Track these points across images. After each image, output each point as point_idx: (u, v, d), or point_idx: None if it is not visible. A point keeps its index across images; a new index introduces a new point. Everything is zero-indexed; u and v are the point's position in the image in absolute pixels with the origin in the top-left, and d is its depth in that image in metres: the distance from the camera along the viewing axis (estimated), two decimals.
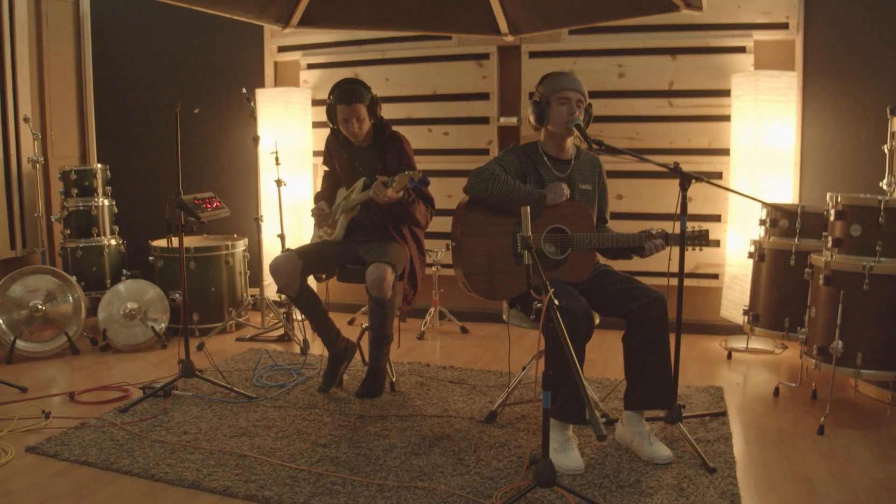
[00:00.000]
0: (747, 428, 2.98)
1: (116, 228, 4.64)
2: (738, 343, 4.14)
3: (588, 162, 3.03)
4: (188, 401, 3.26)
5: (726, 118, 4.26)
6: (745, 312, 3.81)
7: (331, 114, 3.31)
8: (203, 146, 5.24)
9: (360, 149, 3.42)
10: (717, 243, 4.38)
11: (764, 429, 2.96)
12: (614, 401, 3.22)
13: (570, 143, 2.95)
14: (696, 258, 4.41)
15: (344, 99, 3.20)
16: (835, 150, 4.14)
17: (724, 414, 3.06)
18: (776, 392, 3.37)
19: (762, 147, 4.00)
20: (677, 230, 2.71)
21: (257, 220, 4.46)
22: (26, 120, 4.37)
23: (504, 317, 3.05)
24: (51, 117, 4.87)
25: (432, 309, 4.71)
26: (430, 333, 4.61)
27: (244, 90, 4.27)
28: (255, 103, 4.36)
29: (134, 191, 5.15)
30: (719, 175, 4.31)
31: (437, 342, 4.44)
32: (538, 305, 2.16)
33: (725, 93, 4.24)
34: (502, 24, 4.04)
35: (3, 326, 3.92)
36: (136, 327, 4.18)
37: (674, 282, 2.69)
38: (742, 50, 4.22)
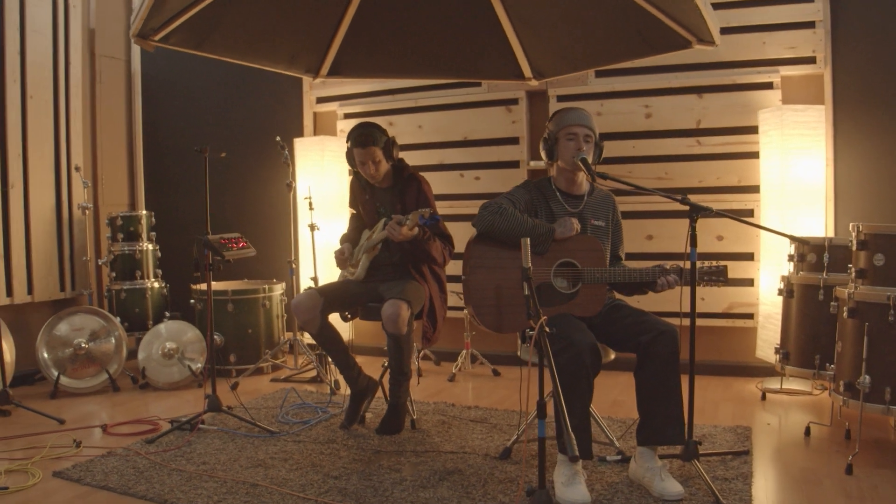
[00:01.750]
0: (771, 467, 2.87)
1: (160, 272, 4.85)
2: (775, 384, 4.00)
3: (602, 199, 3.04)
4: (213, 434, 3.35)
5: (755, 155, 4.21)
6: (777, 351, 3.70)
7: (350, 157, 3.44)
8: (244, 193, 5.47)
9: (381, 190, 3.53)
10: (750, 282, 4.29)
11: (789, 468, 2.84)
12: (632, 439, 3.14)
13: (582, 178, 2.98)
14: (730, 297, 4.32)
15: (359, 142, 3.33)
16: (869, 184, 4.04)
17: (746, 453, 2.95)
18: (807, 432, 3.24)
19: (790, 182, 3.93)
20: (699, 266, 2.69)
21: (290, 262, 4.61)
22: (77, 169, 4.68)
23: (519, 352, 3.05)
24: (102, 167, 5.20)
25: (464, 352, 4.72)
26: (461, 376, 4.61)
27: (278, 138, 4.47)
28: (288, 151, 4.55)
29: (179, 237, 5.38)
30: (750, 213, 4.24)
31: (468, 384, 4.43)
32: (530, 333, 2.17)
33: (753, 129, 4.21)
34: (526, 69, 4.13)
35: (49, 363, 4.13)
36: (174, 366, 4.33)
37: (686, 319, 2.65)
38: (769, 86, 4.20)
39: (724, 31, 4.19)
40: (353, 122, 5.16)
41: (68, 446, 3.16)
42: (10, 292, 4.32)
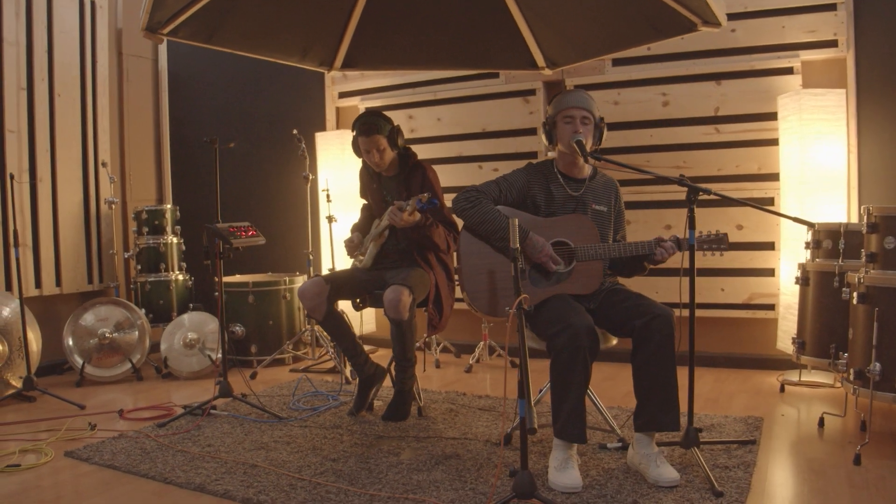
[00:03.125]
0: (778, 457, 2.79)
1: (184, 265, 4.98)
2: (796, 377, 3.89)
3: (604, 184, 3.00)
4: (223, 419, 3.42)
5: (775, 142, 4.10)
6: (794, 341, 3.60)
7: (355, 146, 3.48)
8: (267, 187, 5.57)
9: (388, 178, 3.55)
10: (771, 272, 4.18)
11: (796, 458, 2.77)
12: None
13: (583, 162, 2.94)
14: (751, 288, 4.22)
15: (363, 131, 3.36)
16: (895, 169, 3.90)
17: (752, 442, 2.88)
18: (821, 423, 3.14)
19: (809, 168, 3.82)
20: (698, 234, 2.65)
21: (307, 254, 4.67)
22: (104, 165, 4.84)
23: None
24: (130, 163, 5.36)
25: (482, 343, 4.71)
26: (479, 367, 4.60)
27: (295, 131, 4.54)
28: (306, 144, 4.62)
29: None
30: (771, 201, 4.13)
31: (485, 375, 4.43)
32: (508, 310, 2.16)
33: (773, 116, 4.10)
34: (539, 59, 4.10)
35: (75, 351, 4.27)
36: (195, 356, 4.43)
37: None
38: (789, 71, 4.09)
39: (743, 15, 4.14)
40: None
41: (84, 429, 3.27)
42: (38, 284, 4.49)
